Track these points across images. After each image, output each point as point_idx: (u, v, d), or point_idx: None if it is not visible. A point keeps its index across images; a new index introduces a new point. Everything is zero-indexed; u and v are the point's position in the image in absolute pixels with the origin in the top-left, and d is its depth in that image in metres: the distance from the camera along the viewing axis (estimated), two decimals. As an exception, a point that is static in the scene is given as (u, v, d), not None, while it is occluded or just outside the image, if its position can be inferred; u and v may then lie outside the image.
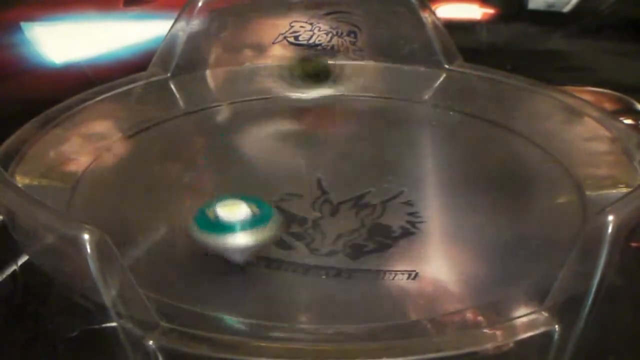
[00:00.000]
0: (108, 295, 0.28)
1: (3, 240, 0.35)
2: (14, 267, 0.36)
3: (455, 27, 0.53)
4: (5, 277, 0.36)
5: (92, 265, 0.27)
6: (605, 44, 0.67)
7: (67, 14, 0.62)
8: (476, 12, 0.70)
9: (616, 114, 0.50)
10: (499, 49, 0.65)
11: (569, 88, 0.51)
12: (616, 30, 0.67)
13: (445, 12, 0.65)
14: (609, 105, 0.53)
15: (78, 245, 0.27)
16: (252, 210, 0.33)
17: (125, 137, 0.44)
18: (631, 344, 0.33)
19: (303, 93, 0.50)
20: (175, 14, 0.51)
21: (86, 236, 0.27)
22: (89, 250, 0.27)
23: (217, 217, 0.32)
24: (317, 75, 0.48)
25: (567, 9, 0.69)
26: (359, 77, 0.51)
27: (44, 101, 0.45)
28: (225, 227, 0.32)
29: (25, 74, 0.58)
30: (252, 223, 0.32)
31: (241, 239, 0.32)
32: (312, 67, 0.49)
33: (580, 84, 0.56)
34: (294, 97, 0.50)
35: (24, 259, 0.36)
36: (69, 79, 0.57)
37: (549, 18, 0.70)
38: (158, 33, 0.52)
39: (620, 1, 0.70)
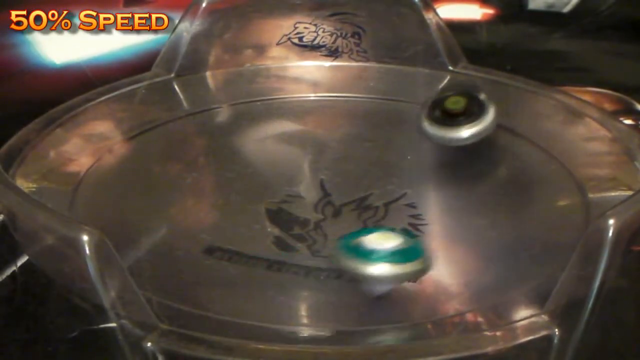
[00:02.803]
0: (107, 296, 0.28)
1: (3, 240, 0.35)
2: (13, 268, 0.36)
3: (455, 28, 0.53)
4: (5, 278, 0.36)
5: (91, 267, 0.27)
6: (605, 44, 0.67)
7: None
8: (476, 13, 0.69)
9: (616, 114, 0.50)
10: (499, 50, 0.65)
11: (569, 88, 0.51)
12: (616, 31, 0.67)
13: (445, 12, 0.65)
14: (609, 106, 0.53)
15: (77, 246, 0.27)
16: (402, 244, 0.31)
17: (128, 138, 0.44)
18: (633, 348, 0.33)
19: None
20: (175, 15, 0.51)
21: (85, 237, 0.27)
22: (87, 251, 0.27)
23: (366, 245, 0.31)
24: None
25: (567, 9, 0.69)
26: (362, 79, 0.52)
27: (44, 101, 0.45)
28: (373, 256, 0.30)
29: (25, 74, 0.58)
30: (400, 256, 0.31)
31: (386, 270, 0.30)
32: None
33: (581, 85, 0.56)
34: (297, 98, 0.50)
35: (23, 259, 0.36)
36: (69, 79, 0.57)
37: (549, 18, 0.70)
38: (158, 33, 0.52)
39: (620, 2, 0.70)
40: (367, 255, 0.30)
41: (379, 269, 0.30)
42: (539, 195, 0.40)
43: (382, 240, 0.31)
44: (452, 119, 0.42)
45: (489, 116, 0.41)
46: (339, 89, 0.51)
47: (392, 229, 0.33)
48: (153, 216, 0.38)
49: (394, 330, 0.30)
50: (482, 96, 0.42)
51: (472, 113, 0.41)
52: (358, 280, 0.31)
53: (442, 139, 0.42)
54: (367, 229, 0.33)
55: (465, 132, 0.41)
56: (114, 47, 0.56)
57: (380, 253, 0.30)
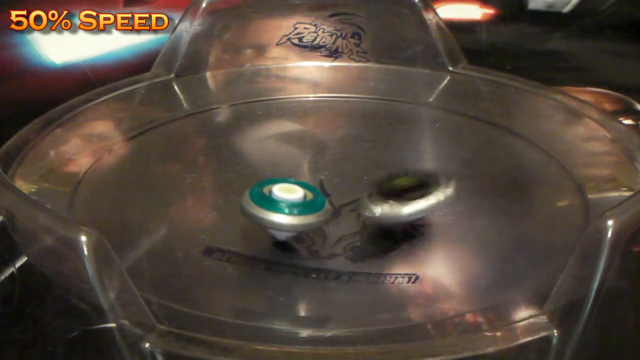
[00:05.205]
0: (105, 297, 0.28)
1: (2, 241, 0.35)
2: (12, 269, 0.36)
3: (455, 28, 0.53)
4: (4, 279, 0.36)
5: (89, 267, 0.27)
6: (605, 44, 0.67)
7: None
8: (476, 13, 0.69)
9: (616, 114, 0.50)
10: (499, 50, 0.65)
11: (569, 88, 0.51)
12: (616, 31, 0.67)
13: (445, 12, 0.65)
14: (609, 106, 0.53)
15: (75, 247, 0.27)
16: (306, 196, 0.34)
17: (128, 138, 0.44)
18: (632, 349, 0.33)
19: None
20: (175, 15, 0.51)
21: (83, 238, 0.27)
22: (85, 252, 0.27)
23: (272, 194, 0.34)
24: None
25: (567, 9, 0.69)
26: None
27: (44, 102, 0.45)
28: (278, 206, 0.33)
29: (25, 74, 0.58)
30: (304, 207, 0.34)
31: (290, 220, 0.33)
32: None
33: (580, 85, 0.56)
34: (297, 99, 0.50)
35: (22, 260, 0.36)
36: (69, 79, 0.57)
37: (549, 18, 0.70)
38: (158, 33, 0.53)
39: (620, 1, 0.70)
40: (273, 205, 0.33)
41: (282, 218, 0.33)
42: (540, 195, 0.40)
43: (287, 192, 0.34)
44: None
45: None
46: (338, 90, 0.51)
47: (300, 183, 0.35)
48: (152, 216, 0.38)
49: (394, 331, 0.30)
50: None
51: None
52: (263, 226, 0.34)
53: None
54: (276, 180, 0.35)
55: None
56: (114, 47, 0.56)
57: (284, 204, 0.33)
